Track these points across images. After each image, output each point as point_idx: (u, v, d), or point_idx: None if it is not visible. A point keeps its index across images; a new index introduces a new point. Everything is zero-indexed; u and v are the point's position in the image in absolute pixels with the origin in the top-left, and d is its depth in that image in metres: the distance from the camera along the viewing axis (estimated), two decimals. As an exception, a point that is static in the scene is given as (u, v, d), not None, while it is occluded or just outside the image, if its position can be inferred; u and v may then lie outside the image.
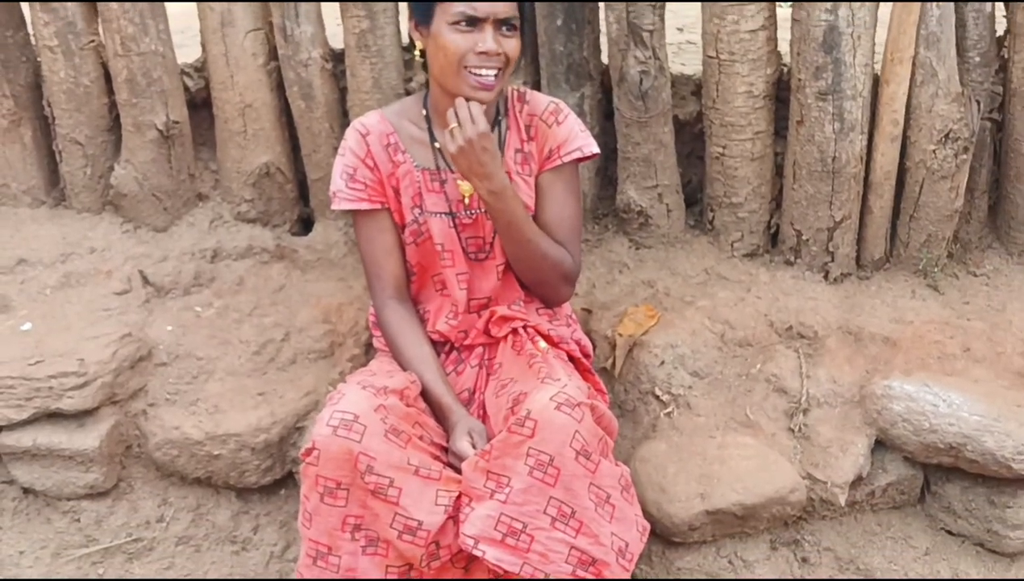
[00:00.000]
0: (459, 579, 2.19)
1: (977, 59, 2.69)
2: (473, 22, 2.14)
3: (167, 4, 2.83)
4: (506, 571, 2.05)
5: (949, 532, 2.48)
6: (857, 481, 2.43)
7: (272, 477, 2.48)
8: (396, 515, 2.07)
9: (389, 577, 2.12)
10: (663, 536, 2.40)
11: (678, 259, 2.80)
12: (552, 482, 2.04)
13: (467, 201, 2.34)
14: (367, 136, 2.34)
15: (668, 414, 2.54)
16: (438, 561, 2.11)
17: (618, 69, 2.74)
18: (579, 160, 2.36)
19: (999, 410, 2.39)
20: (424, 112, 2.35)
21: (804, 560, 2.45)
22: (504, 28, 2.17)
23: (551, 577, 2.05)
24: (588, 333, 2.59)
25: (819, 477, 2.41)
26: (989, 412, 2.38)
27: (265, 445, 2.44)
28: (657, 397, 2.56)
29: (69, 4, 2.77)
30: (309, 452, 2.10)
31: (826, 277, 2.76)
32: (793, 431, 2.49)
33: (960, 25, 2.65)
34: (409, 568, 2.13)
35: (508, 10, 2.16)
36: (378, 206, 2.34)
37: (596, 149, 2.37)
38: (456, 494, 2.12)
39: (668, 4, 2.73)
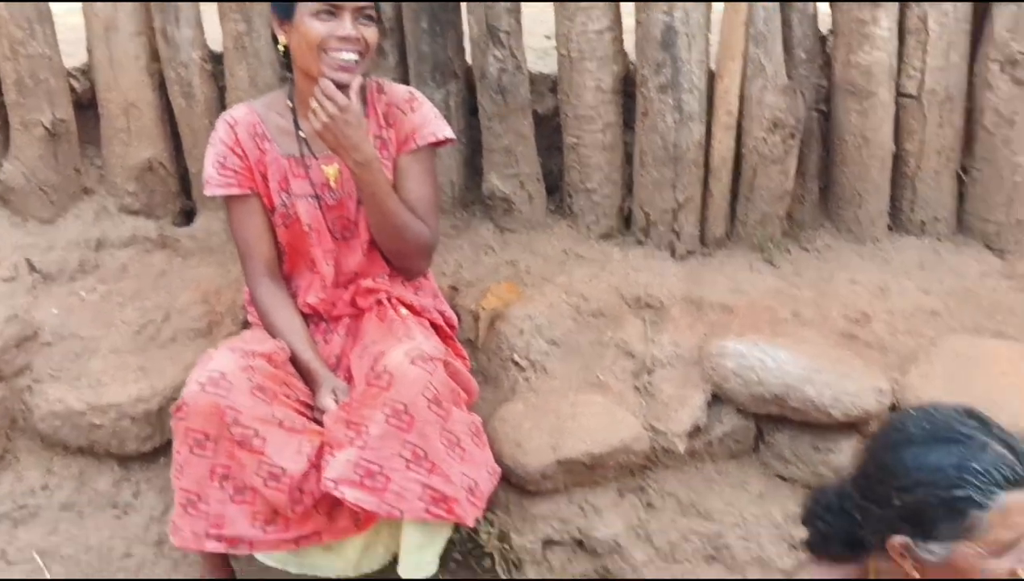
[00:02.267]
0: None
1: (803, 55, 2.99)
2: (332, 12, 2.35)
3: (55, 9, 2.99)
4: (365, 510, 2.23)
5: (781, 477, 2.72)
6: (695, 432, 2.67)
7: (152, 445, 2.63)
8: (261, 463, 2.24)
9: (256, 523, 2.28)
10: (519, 486, 2.60)
11: (539, 241, 3.03)
12: (407, 428, 2.23)
13: (332, 184, 2.53)
14: (235, 126, 2.53)
15: (526, 378, 2.76)
16: (302, 506, 2.28)
17: (480, 67, 2.97)
18: (434, 144, 2.58)
19: (820, 364, 2.65)
20: (289, 103, 2.55)
21: (649, 505, 2.67)
22: (361, 17, 2.39)
23: (406, 514, 2.24)
24: (454, 308, 2.79)
25: (660, 428, 2.64)
26: (811, 366, 2.64)
27: (145, 415, 2.59)
28: (516, 363, 2.77)
29: (-41, 10, 2.91)
30: (180, 408, 2.26)
31: (673, 254, 3.01)
32: (639, 390, 2.72)
33: (786, 24, 2.94)
34: (275, 514, 2.30)
35: (365, 0, 2.38)
36: (247, 192, 2.52)
37: (450, 133, 2.59)
38: (319, 444, 2.30)
39: (538, 13, 2.97)
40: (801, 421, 2.65)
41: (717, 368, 2.68)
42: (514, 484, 2.62)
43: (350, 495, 2.22)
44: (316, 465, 2.28)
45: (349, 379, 2.47)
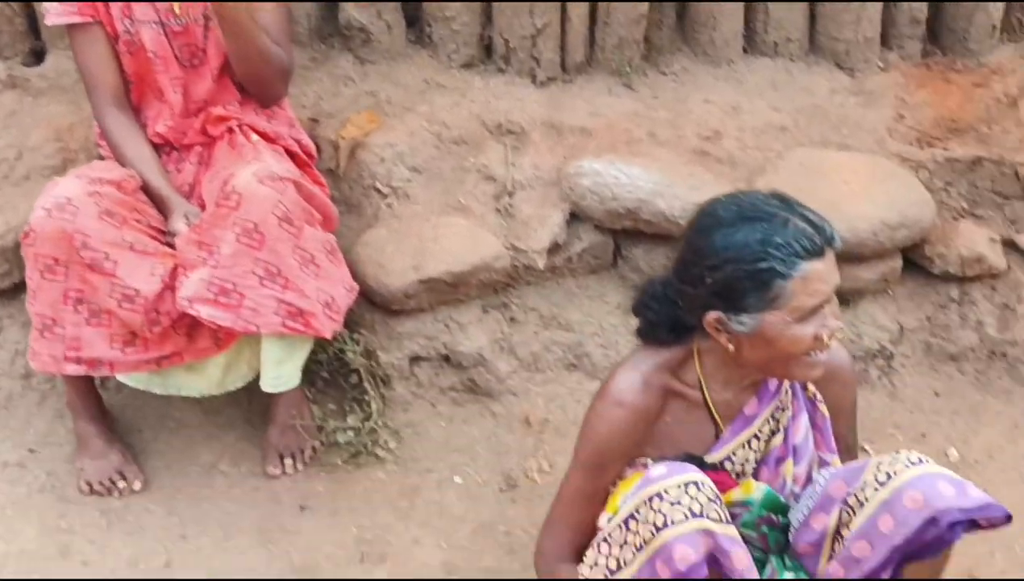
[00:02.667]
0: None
1: None
2: None
3: None
4: (221, 327, 2.28)
5: (637, 288, 2.84)
6: (555, 249, 2.76)
7: (11, 281, 2.62)
8: (114, 286, 2.26)
9: (115, 345, 2.32)
10: (384, 306, 2.68)
11: (399, 71, 3.02)
12: (258, 246, 2.27)
13: (176, 10, 2.48)
14: None
15: (388, 205, 2.80)
16: (159, 327, 2.32)
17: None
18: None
19: (671, 179, 2.74)
20: None
21: (512, 319, 2.77)
22: None
23: (262, 329, 2.30)
24: (314, 139, 2.79)
25: (521, 247, 2.72)
26: (662, 181, 2.73)
27: (1, 251, 2.57)
28: (378, 191, 2.81)
29: None
30: (27, 235, 2.26)
31: (533, 81, 3.04)
32: (499, 211, 2.79)
33: None
34: (133, 336, 2.33)
35: None
36: (89, 19, 2.46)
37: None
38: (172, 266, 2.32)
39: None
40: (654, 234, 2.75)
41: (574, 187, 2.75)
42: (379, 305, 2.69)
43: (205, 312, 2.26)
44: (170, 286, 2.31)
45: (203, 208, 2.48)
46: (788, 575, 1.87)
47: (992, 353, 2.91)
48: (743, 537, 1.88)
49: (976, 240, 2.86)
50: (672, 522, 1.69)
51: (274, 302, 2.28)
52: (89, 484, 2.47)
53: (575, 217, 2.80)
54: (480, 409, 2.74)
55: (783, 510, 1.93)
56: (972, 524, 1.76)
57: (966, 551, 2.38)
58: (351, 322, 2.69)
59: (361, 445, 2.60)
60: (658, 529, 1.70)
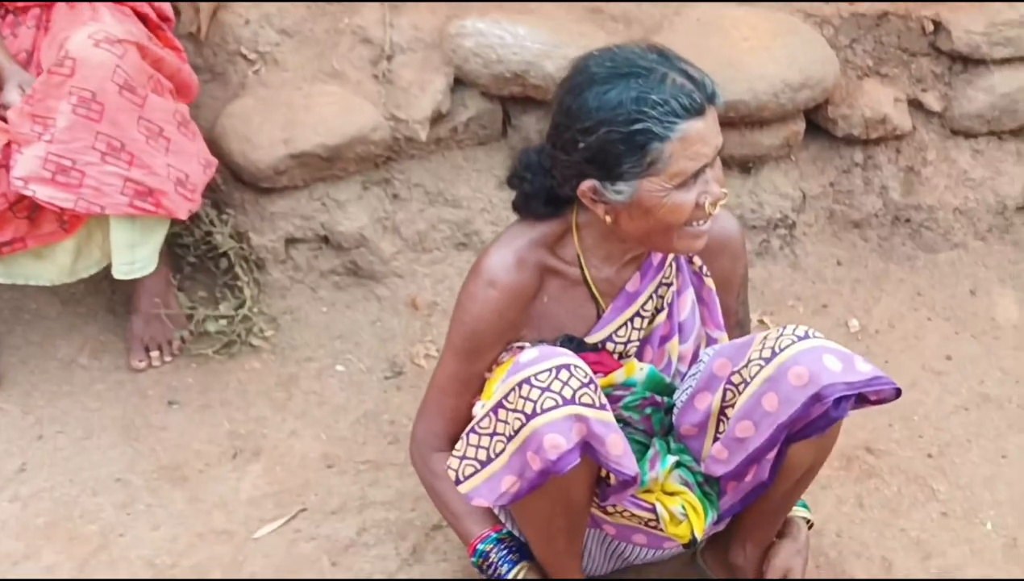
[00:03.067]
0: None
1: None
2: None
3: None
4: (62, 208, 2.07)
5: (529, 160, 2.68)
6: (439, 118, 2.56)
7: None
8: (-61, 167, 2.03)
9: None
10: (253, 184, 2.47)
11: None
12: (97, 118, 2.04)
13: None
14: None
15: (256, 72, 2.57)
16: (-5, 210, 2.10)
17: None
18: None
19: (561, 39, 2.54)
20: None
21: (395, 196, 2.59)
22: None
23: (107, 210, 2.09)
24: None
25: (401, 116, 2.52)
26: (551, 40, 2.53)
27: None
28: (244, 56, 2.57)
29: None
30: None
31: (414, -67, 2.79)
32: (377, 77, 2.57)
33: None
34: (-32, 220, 2.11)
35: None
36: None
37: None
38: (5, 141, 2.08)
39: None
40: (544, 100, 2.56)
41: (457, 49, 2.55)
42: (248, 183, 2.49)
43: (42, 193, 2.04)
44: (4, 165, 2.08)
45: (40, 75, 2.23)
46: (671, 459, 1.77)
47: (896, 218, 2.83)
48: (625, 420, 1.78)
49: (881, 100, 2.73)
50: (542, 409, 1.57)
51: (119, 180, 2.07)
52: (-66, 384, 2.28)
53: (460, 83, 2.60)
54: (364, 293, 2.58)
55: (668, 391, 1.83)
56: (861, 399, 1.67)
57: (863, 424, 2.35)
58: (219, 202, 2.49)
59: (234, 334, 2.43)
60: (528, 417, 1.57)
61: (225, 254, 2.45)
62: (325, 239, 2.55)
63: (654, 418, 1.82)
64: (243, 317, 2.43)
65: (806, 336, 1.66)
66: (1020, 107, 2.83)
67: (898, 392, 1.65)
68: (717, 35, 2.60)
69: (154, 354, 2.37)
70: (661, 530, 1.74)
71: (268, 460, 2.23)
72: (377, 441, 2.29)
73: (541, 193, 1.77)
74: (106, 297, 2.47)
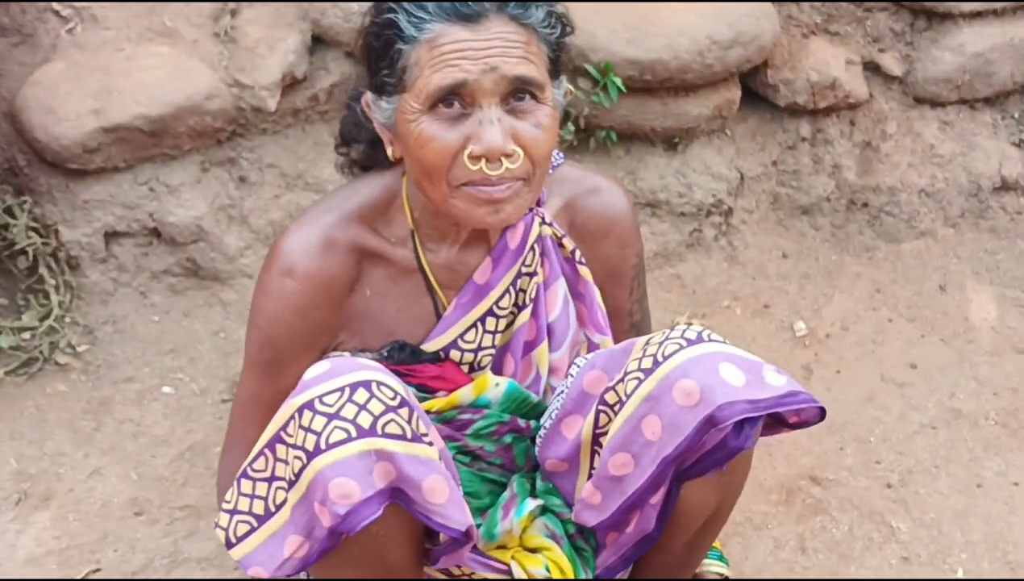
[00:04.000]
0: None
1: None
2: None
3: None
4: None
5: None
6: (294, 84, 2.13)
7: None
8: None
9: None
10: (59, 165, 2.03)
11: None
12: None
13: None
14: None
15: (69, 31, 2.12)
16: None
17: None
18: None
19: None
20: None
21: (242, 180, 2.15)
22: None
23: None
24: (-30, -53, 2.10)
25: (245, 81, 2.09)
26: (429, -11, 2.10)
27: None
28: (56, 13, 2.13)
29: None
30: None
31: None
32: (218, 36, 2.14)
33: None
34: None
35: None
36: None
37: None
38: None
39: None
40: (422, 61, 2.14)
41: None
42: (54, 164, 2.04)
43: None
44: None
45: None
46: (532, 503, 1.33)
47: (851, 203, 2.43)
48: (474, 453, 1.34)
49: (830, 62, 2.33)
50: (327, 444, 1.12)
51: None
52: None
53: (320, 42, 2.17)
54: (205, 297, 2.14)
55: (535, 413, 1.38)
56: (778, 421, 1.23)
57: (807, 447, 1.92)
58: (18, 188, 2.04)
59: (36, 350, 1.97)
60: (309, 455, 1.13)
61: (24, 251, 1.99)
62: (155, 232, 2.10)
63: (516, 448, 1.38)
64: (48, 328, 1.98)
65: (699, 339, 1.21)
66: (995, 69, 2.44)
67: (823, 412, 1.21)
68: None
69: (-71, 376, 1.92)
70: (519, 598, 1.30)
71: (60, 507, 1.77)
72: (202, 481, 1.83)
73: (367, 147, 1.38)
74: None
